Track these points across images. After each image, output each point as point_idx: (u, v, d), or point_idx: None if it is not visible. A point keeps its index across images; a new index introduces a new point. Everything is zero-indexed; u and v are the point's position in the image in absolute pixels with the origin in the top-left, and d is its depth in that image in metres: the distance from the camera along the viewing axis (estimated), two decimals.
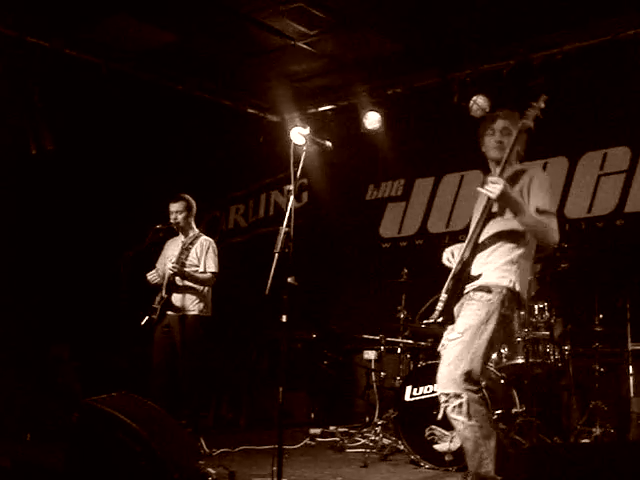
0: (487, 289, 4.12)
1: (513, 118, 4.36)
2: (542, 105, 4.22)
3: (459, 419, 4.00)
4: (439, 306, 4.17)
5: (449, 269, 4.32)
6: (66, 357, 7.62)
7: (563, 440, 5.60)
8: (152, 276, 6.43)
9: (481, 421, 3.99)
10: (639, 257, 6.76)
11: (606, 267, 6.55)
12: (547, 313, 5.84)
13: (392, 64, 7.94)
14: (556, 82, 7.25)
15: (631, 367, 6.11)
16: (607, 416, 5.90)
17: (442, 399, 4.08)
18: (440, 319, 4.17)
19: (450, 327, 4.22)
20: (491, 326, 4.08)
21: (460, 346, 4.06)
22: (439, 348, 4.31)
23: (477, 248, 4.20)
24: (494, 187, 3.94)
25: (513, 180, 4.21)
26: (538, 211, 4.08)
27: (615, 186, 7.29)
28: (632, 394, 6.10)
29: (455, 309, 4.22)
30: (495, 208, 4.18)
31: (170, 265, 6.22)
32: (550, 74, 7.23)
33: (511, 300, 4.17)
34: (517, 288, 4.16)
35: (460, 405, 3.98)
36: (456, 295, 4.19)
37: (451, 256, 4.37)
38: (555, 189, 7.19)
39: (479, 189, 4.09)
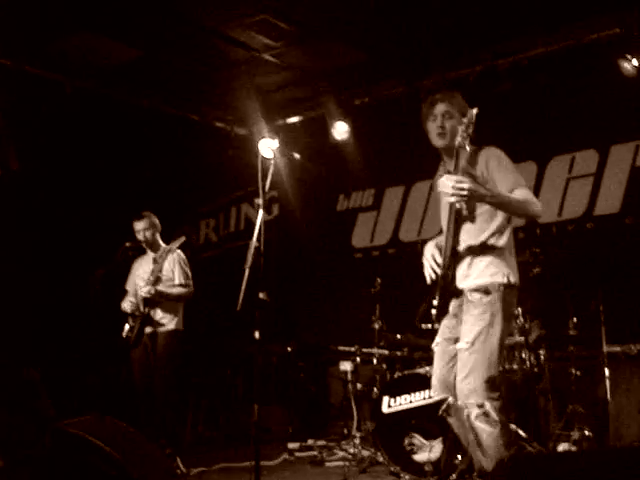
0: (485, 290, 4.05)
1: (454, 99, 4.23)
2: (473, 119, 3.98)
3: (482, 427, 3.92)
4: (434, 311, 4.13)
5: (426, 274, 4.28)
6: (38, 380, 7.47)
7: (541, 445, 5.58)
8: (127, 305, 6.33)
9: (504, 429, 3.94)
10: (610, 259, 6.79)
11: (578, 270, 6.55)
12: (522, 318, 5.81)
13: (358, 74, 7.95)
14: (523, 87, 7.30)
15: (607, 369, 6.10)
16: (585, 419, 5.88)
17: (464, 407, 4.01)
18: (437, 324, 4.17)
19: (444, 323, 4.20)
20: (498, 327, 4.02)
21: (475, 355, 3.98)
22: (433, 345, 4.27)
23: (457, 254, 4.14)
24: (461, 189, 3.80)
25: (471, 164, 4.10)
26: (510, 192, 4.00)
27: (584, 189, 7.33)
28: (609, 396, 6.10)
29: (451, 307, 4.17)
30: (464, 212, 4.11)
31: (145, 291, 6.13)
32: (516, 80, 7.28)
33: (510, 294, 4.11)
34: (512, 279, 4.10)
35: (484, 414, 3.91)
36: (447, 295, 4.13)
37: (431, 260, 4.20)
38: None
39: (445, 198, 4.04)
